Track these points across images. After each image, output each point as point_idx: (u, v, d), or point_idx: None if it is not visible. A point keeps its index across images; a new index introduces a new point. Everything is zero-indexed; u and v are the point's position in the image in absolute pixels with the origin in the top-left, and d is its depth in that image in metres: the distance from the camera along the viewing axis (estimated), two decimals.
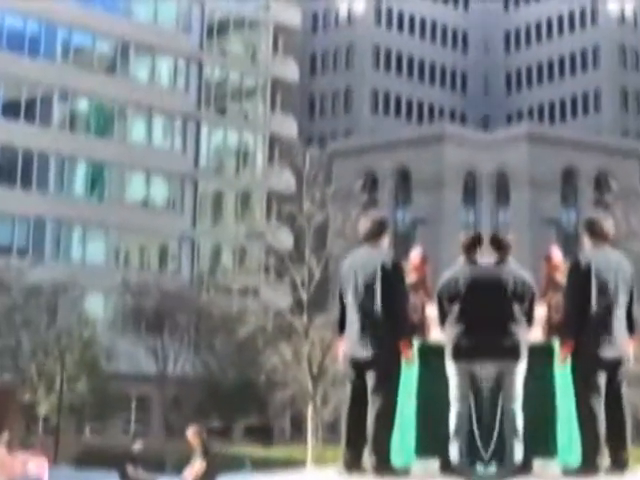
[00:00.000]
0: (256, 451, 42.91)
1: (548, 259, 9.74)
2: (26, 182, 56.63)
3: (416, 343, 8.91)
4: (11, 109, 57.07)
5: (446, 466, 8.51)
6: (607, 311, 8.52)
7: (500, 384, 8.50)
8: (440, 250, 48.53)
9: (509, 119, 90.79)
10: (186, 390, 47.50)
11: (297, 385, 44.78)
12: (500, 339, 8.46)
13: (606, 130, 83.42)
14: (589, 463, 8.42)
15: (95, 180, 60.41)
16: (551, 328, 9.16)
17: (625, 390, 8.70)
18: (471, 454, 8.47)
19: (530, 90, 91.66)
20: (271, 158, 66.99)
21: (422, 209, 74.50)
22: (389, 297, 8.47)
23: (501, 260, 8.73)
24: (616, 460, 8.55)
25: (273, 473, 9.43)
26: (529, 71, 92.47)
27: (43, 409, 44.83)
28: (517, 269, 8.74)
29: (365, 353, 8.47)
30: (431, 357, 8.86)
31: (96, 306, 54.21)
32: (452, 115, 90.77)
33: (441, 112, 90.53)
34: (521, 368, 8.52)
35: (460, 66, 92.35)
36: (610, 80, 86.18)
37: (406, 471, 8.47)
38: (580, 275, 8.56)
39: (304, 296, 45.05)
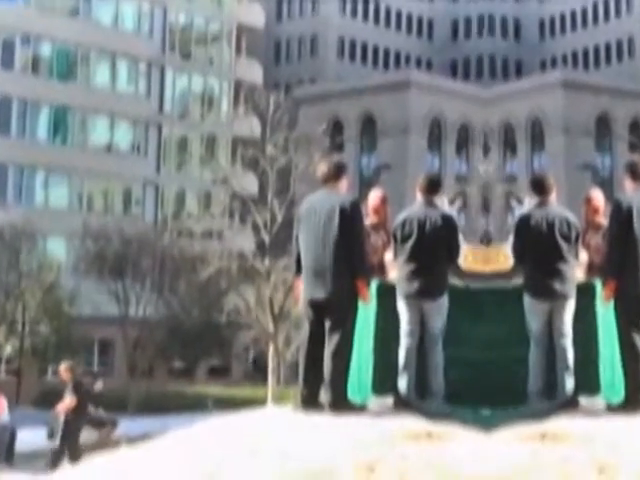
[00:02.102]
0: (218, 391, 43.21)
1: (588, 201, 9.95)
2: None
3: (374, 283, 9.01)
4: None
5: (400, 402, 8.68)
6: None
7: (551, 321, 8.75)
8: (405, 195, 48.71)
9: (543, 65, 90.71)
10: (148, 332, 47.63)
11: (259, 327, 45.09)
12: (550, 279, 8.69)
13: None
14: (632, 400, 8.52)
15: (58, 124, 59.92)
16: (592, 269, 9.34)
17: None
18: (419, 388, 8.69)
19: (563, 37, 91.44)
20: (236, 103, 66.71)
21: (387, 155, 74.58)
22: (347, 238, 8.48)
23: (543, 202, 8.94)
24: None
25: (234, 412, 9.56)
26: (562, 18, 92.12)
27: (5, 351, 44.87)
28: (561, 210, 8.95)
29: (322, 294, 8.53)
30: (389, 297, 8.95)
31: (59, 250, 54.11)
32: (418, 62, 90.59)
33: (407, 59, 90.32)
34: (570, 305, 8.75)
35: (426, 13, 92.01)
36: None
37: (362, 407, 8.57)
38: (622, 216, 8.63)
39: (266, 239, 45.36)
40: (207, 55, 66.88)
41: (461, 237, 9.23)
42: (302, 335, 8.90)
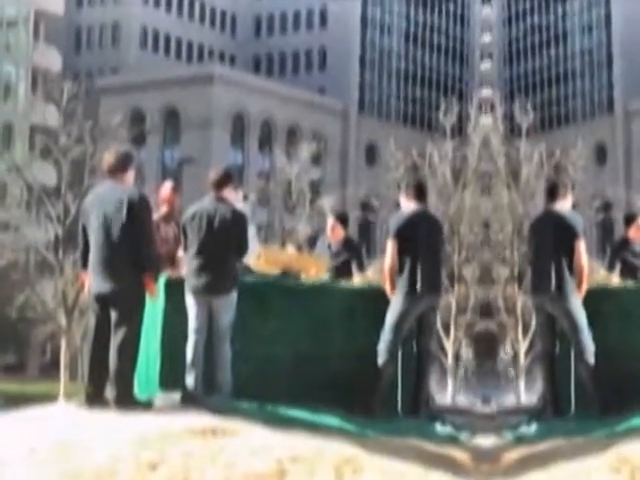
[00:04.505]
0: (11, 387, 42.03)
1: None
2: None
3: (163, 277, 8.93)
4: None
5: (187, 397, 8.62)
6: None
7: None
8: (207, 189, 48.66)
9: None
10: None
11: (53, 321, 44.09)
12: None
13: None
14: None
15: None
16: None
17: None
18: (206, 384, 8.67)
19: None
20: (34, 91, 65.00)
21: (190, 148, 74.21)
22: (134, 231, 8.36)
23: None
24: None
25: (23, 409, 9.27)
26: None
27: None
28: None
29: (107, 287, 8.39)
30: (178, 292, 8.87)
31: None
32: (221, 57, 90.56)
33: (210, 53, 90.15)
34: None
35: (230, 8, 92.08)
36: None
37: (148, 404, 8.45)
38: None
39: (59, 232, 44.38)
40: (3, 40, 64.87)
41: (252, 234, 9.24)
42: (88, 330, 8.73)
